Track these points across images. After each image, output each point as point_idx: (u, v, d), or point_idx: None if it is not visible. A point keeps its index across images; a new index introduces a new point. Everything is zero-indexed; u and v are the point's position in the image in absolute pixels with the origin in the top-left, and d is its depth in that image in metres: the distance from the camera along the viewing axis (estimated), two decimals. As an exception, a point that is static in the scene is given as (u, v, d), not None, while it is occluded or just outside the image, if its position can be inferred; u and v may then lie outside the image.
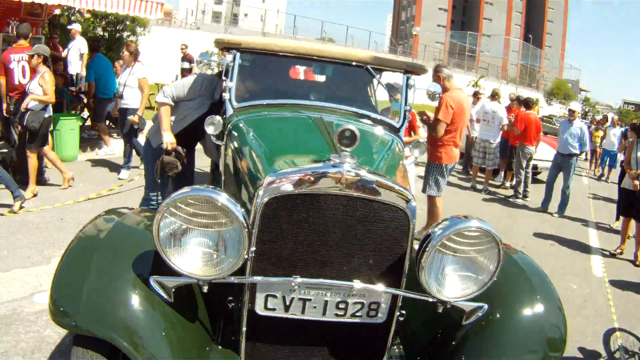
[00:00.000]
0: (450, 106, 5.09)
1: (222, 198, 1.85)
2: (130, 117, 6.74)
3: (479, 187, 9.33)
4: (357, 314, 2.06)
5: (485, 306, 2.06)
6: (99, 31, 14.09)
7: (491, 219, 7.40)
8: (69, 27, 10.11)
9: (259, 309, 2.02)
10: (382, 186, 1.96)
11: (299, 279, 1.93)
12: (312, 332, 2.13)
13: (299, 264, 2.00)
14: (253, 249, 1.95)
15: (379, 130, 3.28)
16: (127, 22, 14.46)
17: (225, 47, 3.66)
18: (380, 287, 2.02)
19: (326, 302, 2.02)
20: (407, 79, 3.70)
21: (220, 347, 2.20)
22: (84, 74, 9.43)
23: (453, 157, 5.40)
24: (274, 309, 2.03)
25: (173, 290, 1.96)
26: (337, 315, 2.05)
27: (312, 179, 1.91)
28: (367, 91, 4.31)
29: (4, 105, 6.60)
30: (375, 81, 3.91)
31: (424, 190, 5.60)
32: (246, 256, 1.90)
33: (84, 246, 2.10)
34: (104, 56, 9.27)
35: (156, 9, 8.13)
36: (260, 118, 3.21)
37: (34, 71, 6.32)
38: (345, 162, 1.90)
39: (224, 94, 3.43)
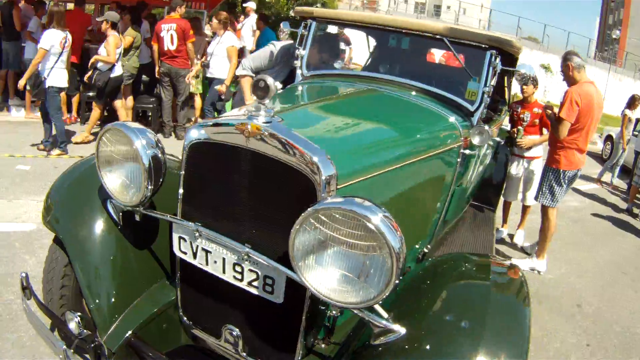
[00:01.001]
0: (575, 102, 4.11)
1: (139, 142, 1.94)
2: (218, 87, 6.73)
3: (636, 211, 7.58)
4: (253, 283, 1.78)
5: (401, 332, 1.51)
6: (291, 13, 14.84)
7: (628, 250, 6.02)
8: (244, 5, 10.74)
9: (175, 249, 2.00)
10: (287, 144, 1.64)
11: (197, 227, 1.87)
12: (231, 294, 1.92)
13: (212, 213, 1.92)
14: (181, 191, 1.98)
15: (439, 111, 2.88)
16: (318, 5, 14.99)
17: (301, 15, 3.61)
18: (265, 258, 1.67)
19: (224, 260, 1.84)
20: (491, 55, 3.03)
21: (169, 284, 2.26)
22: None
23: (574, 163, 4.39)
24: (185, 253, 1.98)
25: (121, 214, 2.18)
26: (235, 277, 1.82)
27: (222, 128, 1.81)
28: (457, 68, 3.70)
29: (157, 68, 7.31)
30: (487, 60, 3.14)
31: (536, 198, 4.70)
32: (148, 193, 1.98)
33: (77, 170, 2.45)
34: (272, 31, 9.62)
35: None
36: (306, 85, 3.16)
37: (181, 38, 6.86)
38: (259, 114, 1.71)
39: (295, 62, 3.47)
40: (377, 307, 1.55)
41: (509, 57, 3.34)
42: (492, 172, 4.98)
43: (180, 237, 1.96)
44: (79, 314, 1.87)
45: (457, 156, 2.87)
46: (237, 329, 1.95)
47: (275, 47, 4.02)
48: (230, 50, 6.72)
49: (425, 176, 2.54)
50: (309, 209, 1.44)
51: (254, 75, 4.06)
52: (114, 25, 6.54)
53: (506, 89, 5.07)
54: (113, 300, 2.10)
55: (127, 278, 2.18)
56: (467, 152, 2.92)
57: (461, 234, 3.99)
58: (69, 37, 6.08)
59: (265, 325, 1.93)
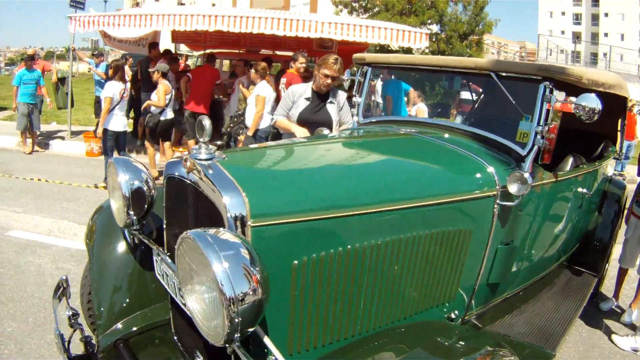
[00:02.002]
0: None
1: (122, 176, 2.23)
2: (240, 137, 6.73)
3: None
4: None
5: None
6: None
7: None
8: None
9: (155, 270, 2.19)
10: (208, 181, 1.72)
11: (158, 251, 2.09)
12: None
13: (174, 240, 1.98)
14: (164, 220, 2.16)
15: (473, 155, 2.55)
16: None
17: (357, 62, 3.68)
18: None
19: (174, 283, 1.95)
20: (544, 89, 2.57)
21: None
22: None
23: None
24: (160, 274, 2.14)
25: (132, 237, 2.42)
26: (181, 302, 1.88)
27: (178, 164, 1.97)
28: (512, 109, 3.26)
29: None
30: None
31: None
32: (132, 217, 2.26)
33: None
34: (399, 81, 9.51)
35: (420, 39, 7.96)
36: (346, 132, 3.27)
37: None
38: (200, 152, 1.82)
39: (352, 110, 3.63)
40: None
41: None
42: (595, 231, 4.17)
43: (155, 260, 2.14)
44: (73, 311, 2.18)
45: (491, 208, 2.45)
46: (201, 356, 2.01)
47: (289, 90, 4.25)
48: (257, 99, 6.51)
49: (431, 228, 2.23)
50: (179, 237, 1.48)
51: (285, 117, 4.21)
52: (164, 75, 7.48)
53: (619, 132, 4.30)
54: (116, 309, 2.33)
55: (133, 293, 2.41)
56: (506, 203, 2.45)
57: (541, 301, 3.37)
58: (127, 87, 7.16)
59: (212, 354, 1.95)
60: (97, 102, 10.24)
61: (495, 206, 2.45)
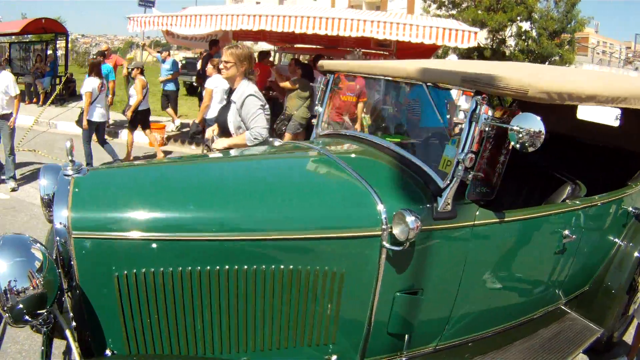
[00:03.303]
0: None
1: (43, 180, 2.28)
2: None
3: None
4: None
5: None
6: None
7: None
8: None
9: None
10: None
11: None
12: None
13: None
14: None
15: (365, 185, 2.15)
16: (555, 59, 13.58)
17: (319, 71, 3.42)
18: None
19: None
20: (476, 104, 2.06)
21: None
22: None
23: None
24: None
25: None
26: None
27: None
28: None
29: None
30: None
31: None
32: (48, 216, 2.29)
33: None
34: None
35: (469, 38, 7.13)
36: (291, 144, 3.27)
37: None
38: (67, 167, 1.98)
39: (313, 120, 3.54)
40: None
41: None
42: (606, 275, 3.36)
43: None
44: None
45: (376, 250, 2.04)
46: None
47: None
48: (205, 91, 7.13)
49: (281, 263, 1.97)
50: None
51: None
52: (142, 72, 8.21)
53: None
54: None
55: None
56: (393, 247, 2.01)
57: (504, 356, 2.72)
58: (105, 82, 7.63)
59: None
60: (165, 95, 10.77)
61: (383, 249, 1.99)
